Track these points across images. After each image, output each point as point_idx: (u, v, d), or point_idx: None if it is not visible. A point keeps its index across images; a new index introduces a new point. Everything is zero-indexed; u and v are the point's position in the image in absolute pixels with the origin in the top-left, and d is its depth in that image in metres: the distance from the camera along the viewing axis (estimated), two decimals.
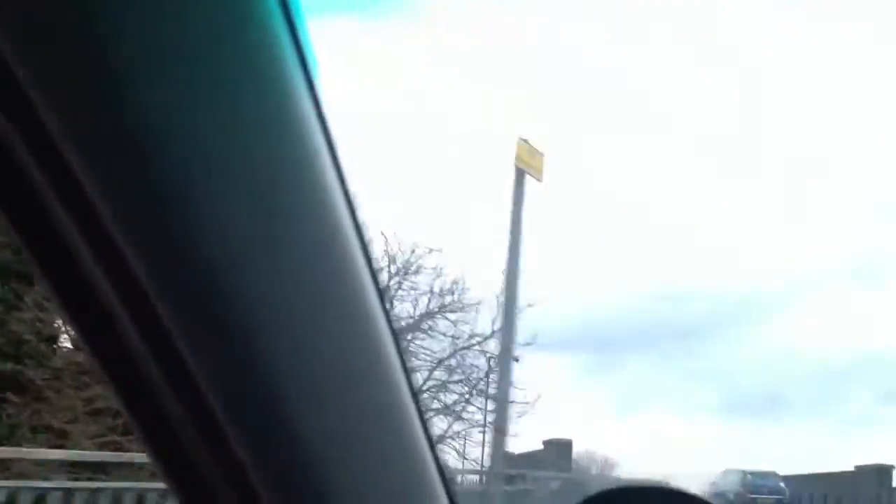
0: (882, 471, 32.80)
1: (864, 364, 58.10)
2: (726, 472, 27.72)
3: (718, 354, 68.28)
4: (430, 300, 20.41)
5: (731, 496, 25.57)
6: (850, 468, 33.49)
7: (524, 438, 37.08)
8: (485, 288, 21.20)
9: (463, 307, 20.63)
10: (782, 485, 26.57)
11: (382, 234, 18.72)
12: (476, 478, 20.79)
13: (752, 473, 26.69)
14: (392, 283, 19.09)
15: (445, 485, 0.87)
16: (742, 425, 64.71)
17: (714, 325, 66.53)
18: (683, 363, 70.28)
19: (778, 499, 24.09)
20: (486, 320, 21.32)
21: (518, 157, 19.59)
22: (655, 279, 63.83)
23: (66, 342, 12.42)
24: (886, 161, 51.21)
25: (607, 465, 70.13)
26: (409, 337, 18.71)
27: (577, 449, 59.39)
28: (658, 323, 63.92)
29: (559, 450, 30.92)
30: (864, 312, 66.00)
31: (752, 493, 25.18)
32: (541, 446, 31.64)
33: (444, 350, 21.05)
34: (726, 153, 61.07)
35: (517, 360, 32.80)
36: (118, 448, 10.28)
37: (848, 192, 62.58)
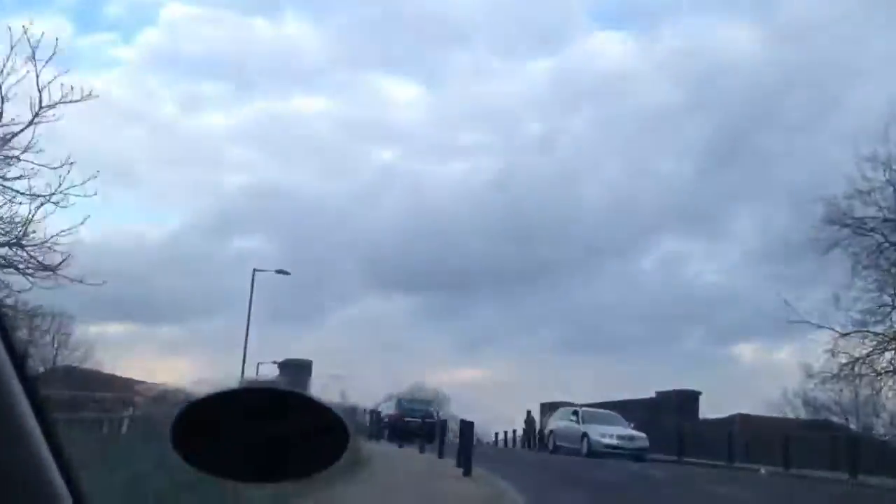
0: (685, 396, 31.14)
1: (695, 305, 59.81)
2: (388, 399, 36.27)
3: (561, 296, 69.02)
4: None
5: (388, 418, 31.59)
6: (652, 394, 31.71)
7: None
8: None
9: None
10: (431, 409, 32.28)
11: None
12: None
13: (407, 400, 34.41)
14: None
15: (66, 472, 0.87)
16: (578, 361, 65.30)
17: (558, 267, 66.90)
18: (527, 303, 70.47)
19: (429, 421, 27.26)
20: None
21: None
22: (502, 222, 62.38)
23: None
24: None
25: (438, 400, 68.83)
26: None
27: (411, 384, 58.59)
28: (504, 264, 62.93)
29: (296, 372, 28.28)
30: (697, 257, 67.81)
31: (406, 417, 30.20)
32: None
33: None
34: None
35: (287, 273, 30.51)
36: None
37: (687, 144, 63.19)
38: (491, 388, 69.20)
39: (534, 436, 36.62)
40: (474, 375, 79.11)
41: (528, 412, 38.41)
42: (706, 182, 62.05)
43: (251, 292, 30.33)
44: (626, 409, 28.09)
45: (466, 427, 13.99)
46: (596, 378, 61.26)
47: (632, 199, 62.34)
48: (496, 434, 43.91)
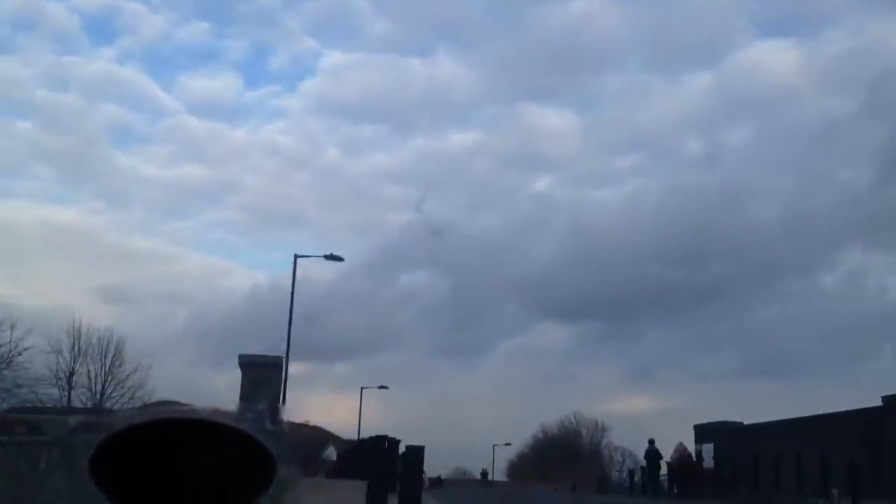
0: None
1: (884, 320, 49.53)
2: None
3: (736, 316, 60.41)
4: None
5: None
6: (877, 401, 22.57)
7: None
8: None
9: None
10: None
11: None
12: None
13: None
14: None
15: None
16: (756, 384, 55.96)
17: (733, 286, 58.43)
18: (698, 326, 62.31)
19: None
20: None
21: None
22: (667, 244, 55.76)
23: None
24: None
25: (597, 429, 61.67)
26: None
27: (566, 412, 53.15)
28: (672, 287, 55.86)
29: (263, 371, 22.39)
30: (884, 269, 57.24)
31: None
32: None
33: None
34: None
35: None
36: None
37: (863, 151, 53.81)
38: (658, 416, 61.26)
39: (656, 475, 27.08)
40: (640, 403, 71.93)
41: (651, 441, 27.65)
42: (888, 189, 52.10)
43: (293, 280, 26.57)
44: (836, 426, 19.52)
45: (413, 455, 8.19)
46: (776, 401, 51.84)
47: (807, 212, 53.72)
48: (624, 472, 35.21)
